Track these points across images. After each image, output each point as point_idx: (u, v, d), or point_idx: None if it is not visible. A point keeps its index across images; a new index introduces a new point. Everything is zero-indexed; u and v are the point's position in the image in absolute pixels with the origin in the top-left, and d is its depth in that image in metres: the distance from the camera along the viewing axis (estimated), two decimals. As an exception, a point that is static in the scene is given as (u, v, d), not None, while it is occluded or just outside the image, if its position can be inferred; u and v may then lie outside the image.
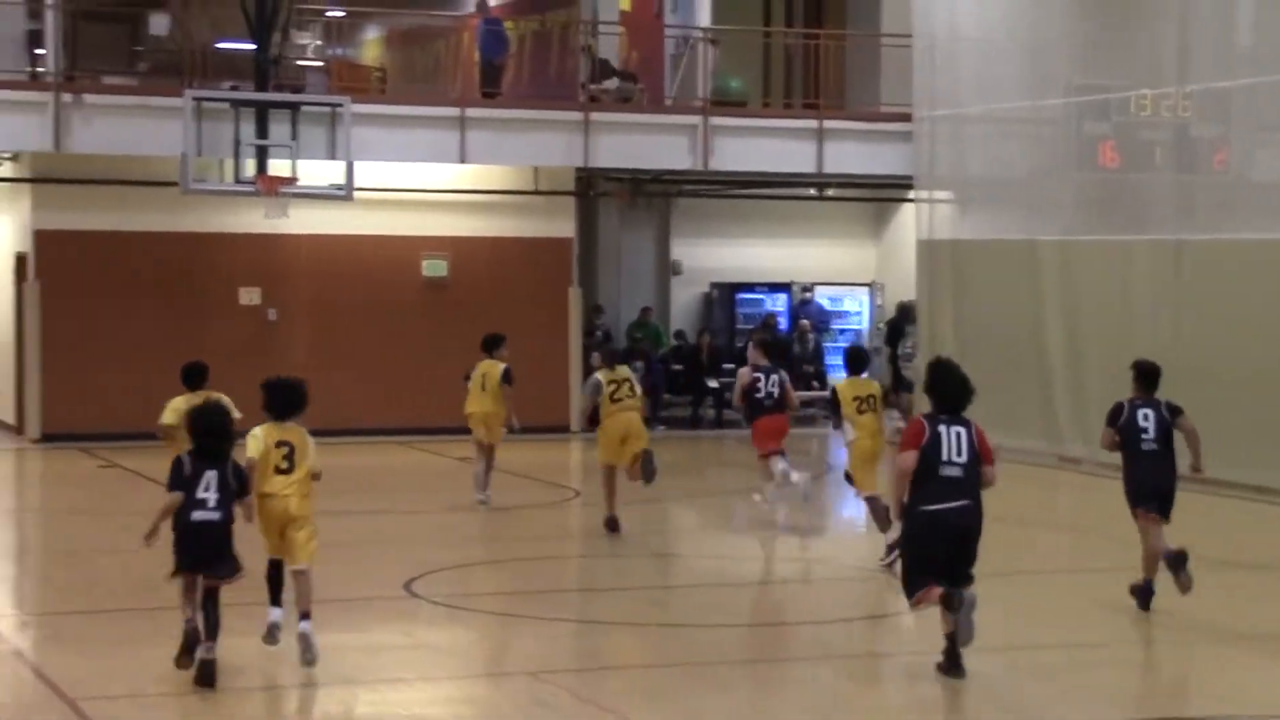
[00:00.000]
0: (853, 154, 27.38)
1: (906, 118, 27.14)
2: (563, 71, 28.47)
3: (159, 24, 32.53)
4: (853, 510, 21.72)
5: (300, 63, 31.77)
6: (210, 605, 11.14)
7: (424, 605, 13.94)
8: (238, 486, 11.24)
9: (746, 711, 10.80)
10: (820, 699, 11.28)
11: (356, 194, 23.95)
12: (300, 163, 23.47)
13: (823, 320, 30.66)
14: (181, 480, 11.10)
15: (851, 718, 10.93)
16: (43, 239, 25.02)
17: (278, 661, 12.21)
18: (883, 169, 27.78)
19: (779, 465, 17.59)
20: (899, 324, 29.27)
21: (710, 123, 26.49)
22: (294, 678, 11.73)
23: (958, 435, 11.33)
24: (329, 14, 30.01)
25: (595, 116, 26.07)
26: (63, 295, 24.78)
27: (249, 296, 25.71)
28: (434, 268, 26.67)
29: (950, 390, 11.54)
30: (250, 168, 23.41)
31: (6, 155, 25.49)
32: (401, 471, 22.49)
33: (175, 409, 14.60)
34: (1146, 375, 13.83)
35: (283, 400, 11.82)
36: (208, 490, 11.10)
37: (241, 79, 26.34)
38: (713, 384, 28.26)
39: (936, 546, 11.30)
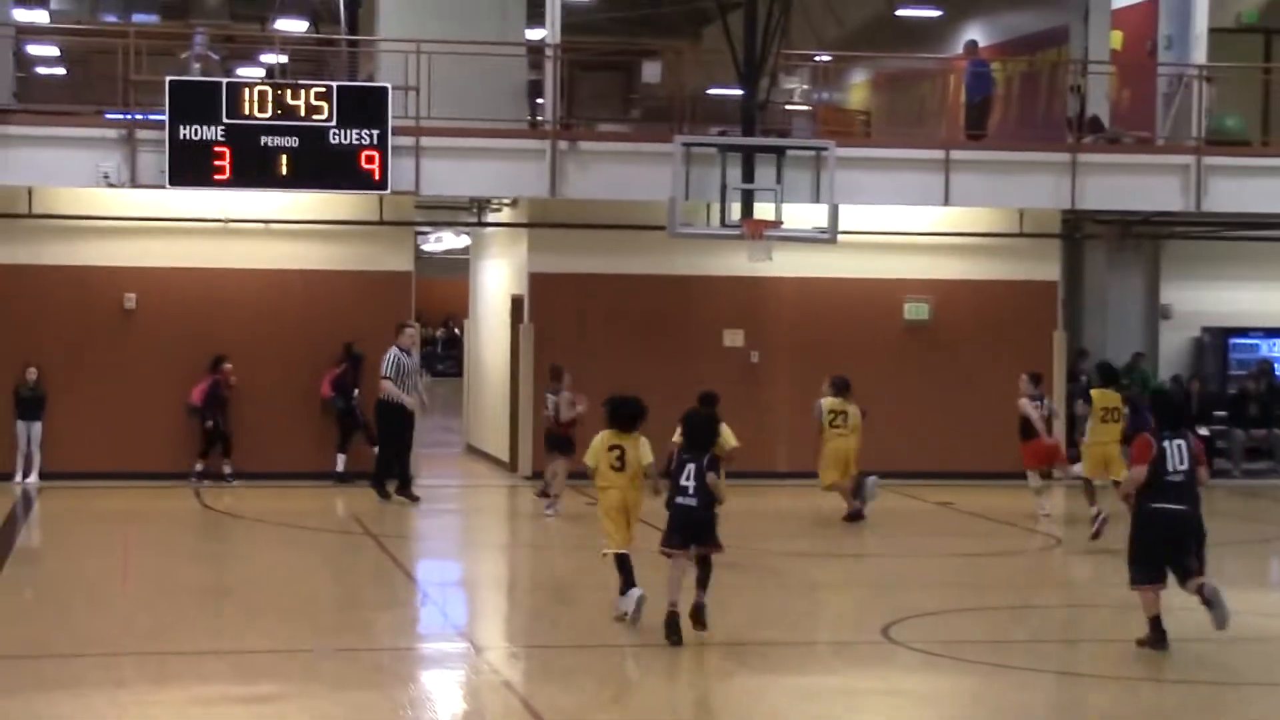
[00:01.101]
0: (1357, 192, 26.16)
1: None
2: (1050, 112, 28.03)
3: (651, 72, 33.45)
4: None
5: (787, 107, 32.16)
6: (703, 568, 13.84)
7: (901, 651, 13.83)
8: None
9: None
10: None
11: (840, 237, 24.02)
12: (785, 206, 23.71)
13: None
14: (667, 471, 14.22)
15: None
16: (537, 282, 25.91)
17: (751, 701, 12.32)
18: (1389, 207, 26.48)
19: None
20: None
21: (1204, 162, 25.67)
22: (768, 719, 11.81)
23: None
24: (816, 59, 30.30)
25: (1083, 158, 25.58)
26: (555, 336, 25.59)
27: (733, 338, 26.08)
28: (916, 310, 26.56)
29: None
30: (736, 211, 23.76)
31: (506, 201, 26.51)
32: (879, 514, 22.39)
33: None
34: None
35: (621, 414, 14.51)
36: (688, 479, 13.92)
37: (729, 124, 26.80)
38: (1203, 431, 27.29)
39: None
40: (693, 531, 13.86)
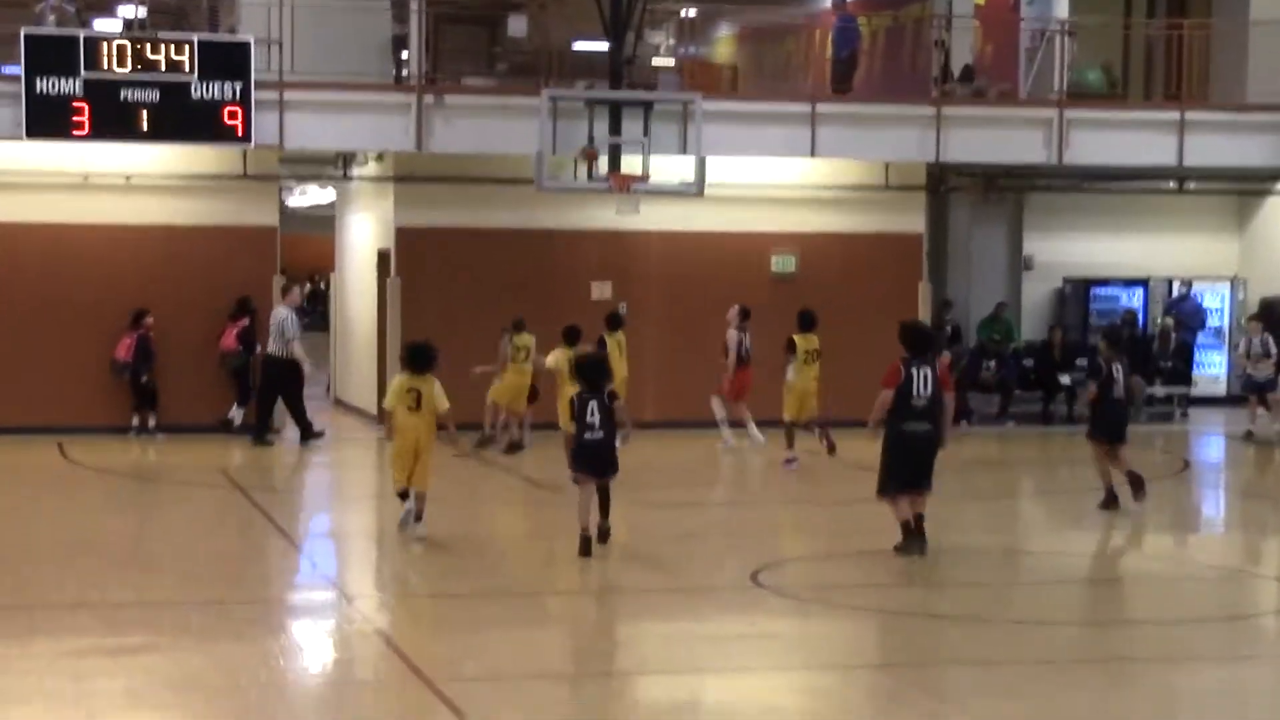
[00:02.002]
0: (1216, 146, 26.60)
1: (1276, 108, 26.33)
2: (915, 67, 28.25)
3: (517, 26, 33.26)
4: (1212, 508, 21.22)
5: (653, 62, 32.18)
6: (603, 496, 15.43)
7: (770, 596, 13.97)
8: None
9: (1098, 711, 10.56)
10: (1179, 701, 10.99)
11: (707, 190, 24.14)
12: (652, 159, 23.76)
13: (1199, 317, 29.88)
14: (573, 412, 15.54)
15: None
16: (404, 236, 25.80)
17: (626, 650, 12.42)
18: (1248, 161, 26.98)
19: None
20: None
21: (1066, 116, 26.01)
22: (640, 666, 11.92)
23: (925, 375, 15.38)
24: (682, 13, 30.32)
25: (948, 111, 25.83)
26: (422, 290, 25.51)
27: (600, 291, 26.11)
28: (783, 264, 26.73)
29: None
30: (603, 165, 23.80)
31: (372, 155, 26.35)
32: (749, 464, 22.57)
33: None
34: None
35: (416, 357, 15.90)
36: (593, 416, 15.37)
37: (596, 78, 26.80)
38: (1064, 380, 27.73)
39: None
40: (600, 463, 15.43)
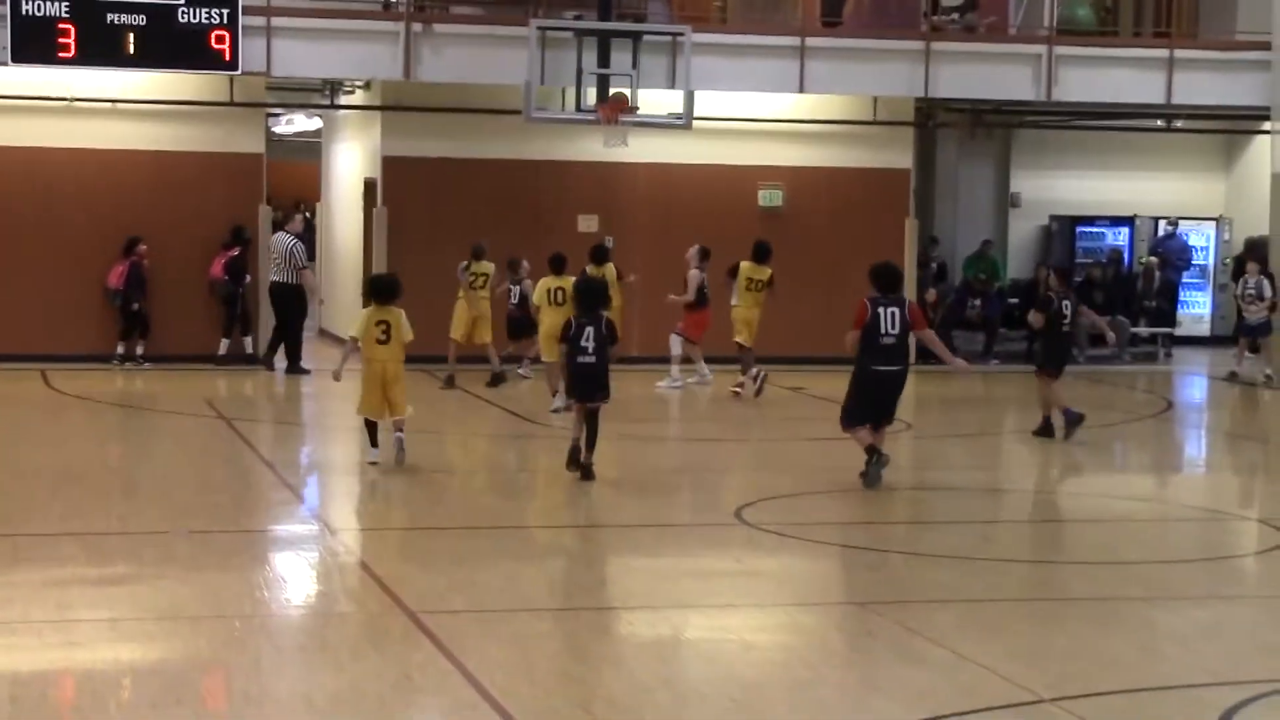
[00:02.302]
0: (1204, 84, 26.56)
1: (1265, 46, 26.25)
2: (904, 1, 28.10)
3: (506, -46, 33.03)
4: (1195, 449, 21.28)
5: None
6: (591, 422, 15.67)
7: (754, 532, 14.01)
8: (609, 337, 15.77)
9: (1079, 649, 10.62)
10: (1161, 639, 11.05)
11: (695, 123, 24.08)
12: (640, 92, 23.69)
13: (1185, 256, 29.90)
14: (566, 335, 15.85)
15: (1192, 658, 10.66)
16: (391, 165, 25.71)
17: (610, 585, 12.46)
18: (1236, 100, 26.93)
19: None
20: (1244, 261, 28.36)
21: (1055, 52, 25.95)
22: (624, 600, 11.96)
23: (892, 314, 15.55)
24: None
25: (936, 46, 25.75)
26: (409, 220, 25.46)
27: (587, 223, 26.07)
28: (770, 197, 26.70)
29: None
30: (592, 96, 23.72)
31: (359, 84, 26.23)
32: (732, 400, 22.58)
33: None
34: None
35: (382, 289, 16.32)
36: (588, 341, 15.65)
37: (585, 8, 26.60)
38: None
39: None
40: (592, 385, 15.77)
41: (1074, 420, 18.76)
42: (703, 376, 23.34)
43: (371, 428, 16.44)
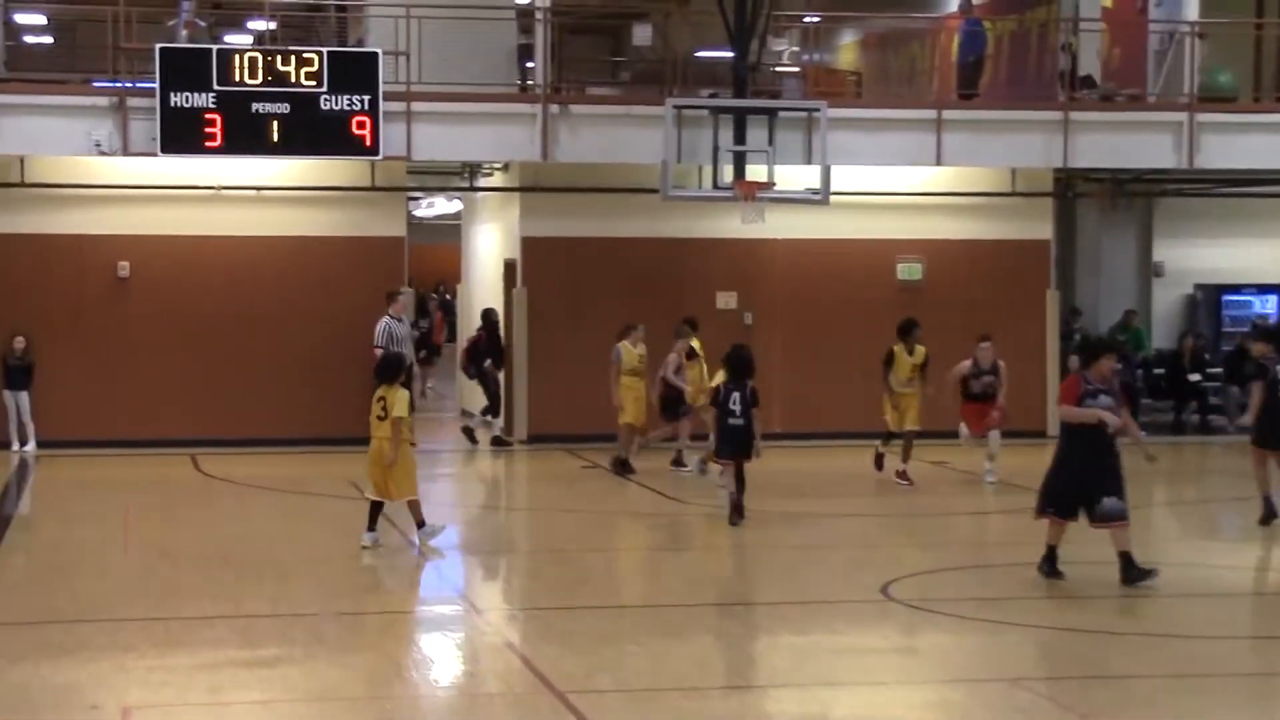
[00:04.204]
0: (1349, 148, 26.16)
1: (1407, 109, 25.91)
2: (1041, 70, 28.02)
3: (642, 35, 33.36)
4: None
5: (777, 69, 32.11)
6: (741, 475, 17.68)
7: (900, 609, 13.90)
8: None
9: (1238, 727, 10.42)
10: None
11: (832, 198, 24.05)
12: (777, 168, 23.72)
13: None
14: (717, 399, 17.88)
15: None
16: (530, 246, 25.91)
17: (757, 663, 12.40)
18: (1381, 164, 26.52)
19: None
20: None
21: (1196, 119, 25.69)
22: (771, 679, 11.90)
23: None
24: (806, 19, 30.24)
25: (1075, 116, 25.58)
26: (548, 300, 25.63)
27: (725, 300, 26.11)
28: (909, 271, 26.60)
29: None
30: (728, 174, 23.79)
31: (497, 166, 26.50)
32: (874, 475, 22.44)
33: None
34: None
35: (382, 369, 16.46)
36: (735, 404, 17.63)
37: (720, 86, 26.78)
38: (1194, 378, 27.35)
39: None
40: (739, 445, 17.64)
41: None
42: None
43: (373, 509, 16.35)
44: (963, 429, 21.67)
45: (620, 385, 22.28)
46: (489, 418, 25.48)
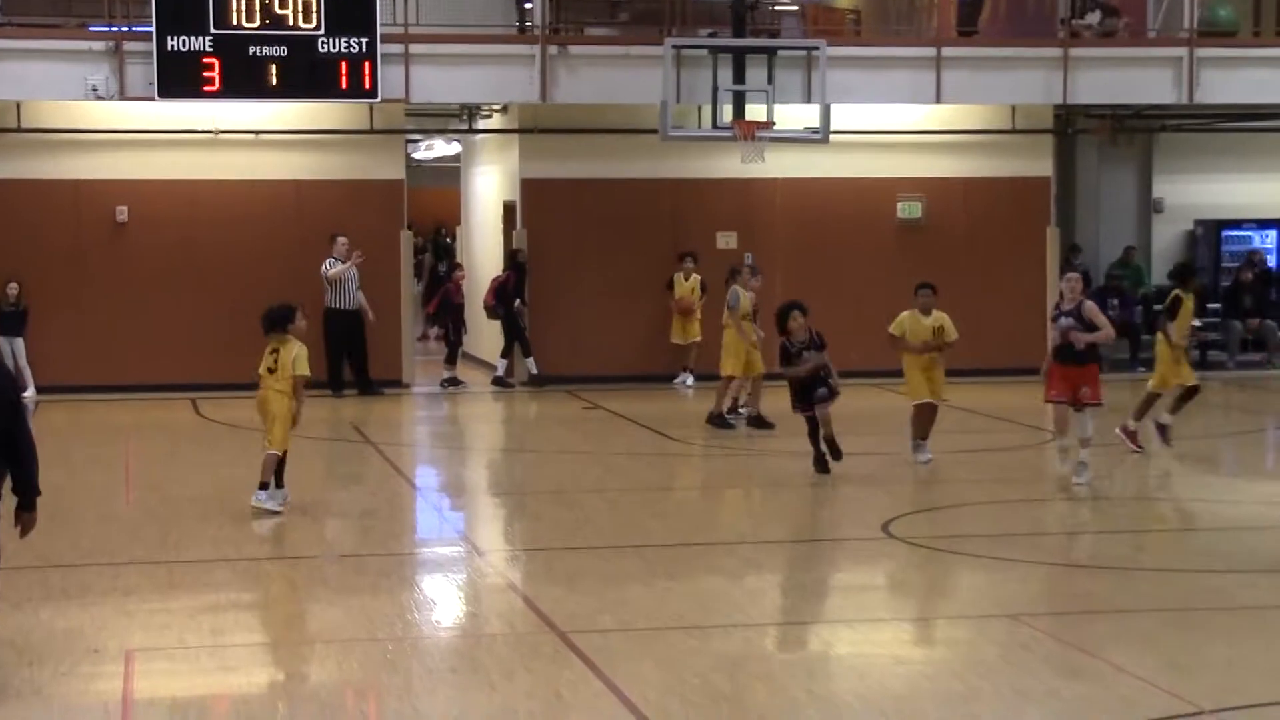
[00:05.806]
0: (1352, 83, 26.06)
1: None
2: (1041, 6, 27.86)
3: (639, -26, 33.12)
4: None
5: (776, 7, 31.94)
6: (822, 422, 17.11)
7: (901, 546, 13.92)
8: None
9: (1236, 660, 10.42)
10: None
11: (832, 137, 23.99)
12: (776, 107, 23.63)
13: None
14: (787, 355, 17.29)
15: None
16: (529, 187, 25.85)
17: (758, 601, 12.43)
18: (1385, 98, 26.41)
19: None
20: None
21: (1196, 54, 25.56)
22: (773, 617, 11.92)
23: None
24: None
25: (1075, 52, 25.47)
26: (548, 242, 25.59)
27: (726, 240, 26.06)
28: (909, 209, 26.54)
29: None
30: (728, 113, 23.71)
31: (496, 107, 26.41)
32: (875, 413, 22.43)
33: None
34: None
35: (265, 319, 15.29)
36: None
37: (719, 26, 26.62)
38: (1195, 324, 27.25)
39: None
40: (811, 393, 17.07)
41: None
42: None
43: (273, 465, 15.34)
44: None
45: (730, 332, 20.76)
46: (529, 359, 25.44)
